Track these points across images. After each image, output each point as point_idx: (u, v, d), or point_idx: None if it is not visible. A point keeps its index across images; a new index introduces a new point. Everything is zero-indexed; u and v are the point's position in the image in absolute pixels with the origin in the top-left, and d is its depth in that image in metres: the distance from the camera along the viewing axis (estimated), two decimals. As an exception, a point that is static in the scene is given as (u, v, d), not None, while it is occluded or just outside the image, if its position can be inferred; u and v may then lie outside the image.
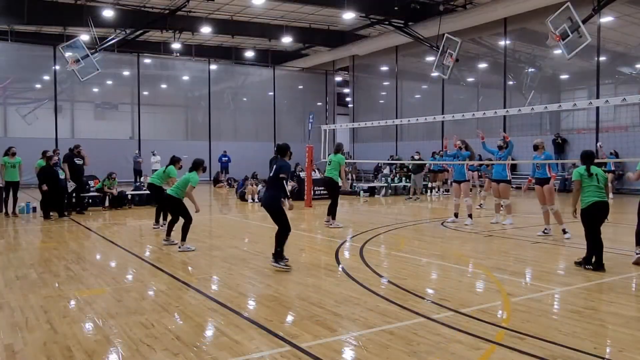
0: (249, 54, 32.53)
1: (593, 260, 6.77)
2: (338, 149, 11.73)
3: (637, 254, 7.08)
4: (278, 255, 6.88)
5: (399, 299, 5.44)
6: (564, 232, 9.28)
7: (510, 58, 24.42)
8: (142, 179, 19.58)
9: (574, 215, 7.11)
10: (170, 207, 8.91)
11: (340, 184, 11.55)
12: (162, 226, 10.55)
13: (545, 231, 9.70)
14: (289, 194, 7.07)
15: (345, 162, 12.18)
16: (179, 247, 8.41)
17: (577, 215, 7.01)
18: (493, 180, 11.34)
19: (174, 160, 10.63)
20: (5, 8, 22.15)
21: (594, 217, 6.76)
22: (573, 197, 7.14)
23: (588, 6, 17.09)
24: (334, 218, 11.23)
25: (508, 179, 11.13)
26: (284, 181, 6.92)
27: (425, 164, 19.08)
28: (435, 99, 26.79)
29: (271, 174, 7.15)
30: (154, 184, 10.90)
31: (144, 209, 14.64)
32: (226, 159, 26.91)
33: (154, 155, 24.22)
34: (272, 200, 6.97)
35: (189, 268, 7.29)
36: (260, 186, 17.52)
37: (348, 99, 35.58)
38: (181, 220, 8.55)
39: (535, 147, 9.88)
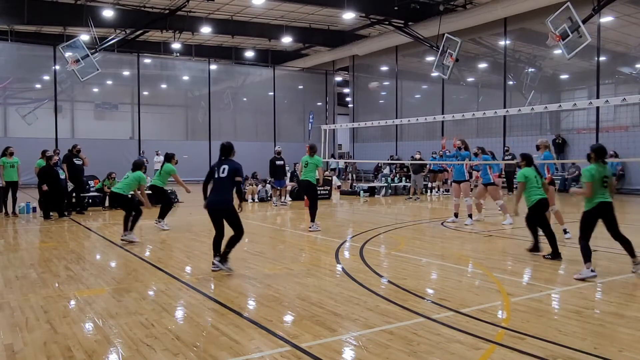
0: (249, 54, 32.51)
1: (537, 248, 7.92)
2: (313, 150, 11.01)
3: None
4: (225, 257, 6.72)
5: (399, 299, 5.44)
6: (565, 232, 9.27)
7: (510, 58, 24.40)
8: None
9: (516, 214, 8.43)
10: (118, 204, 9.70)
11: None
12: (165, 225, 10.87)
13: (545, 231, 9.73)
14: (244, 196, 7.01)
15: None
16: (123, 236, 9.00)
17: (517, 213, 8.32)
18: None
19: (169, 157, 10.95)
20: (5, 8, 22.12)
21: (539, 213, 7.69)
22: (517, 196, 7.92)
23: (588, 6, 17.08)
24: (312, 220, 10.56)
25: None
26: (241, 185, 6.89)
27: (425, 164, 19.08)
28: (435, 99, 26.77)
29: (223, 175, 6.66)
30: (157, 185, 11.06)
31: (143, 209, 14.59)
32: (226, 158, 26.82)
33: (157, 155, 24.23)
34: (227, 204, 6.73)
35: (189, 268, 7.28)
36: (260, 186, 17.51)
37: (348, 99, 35.56)
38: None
39: (537, 148, 9.95)
